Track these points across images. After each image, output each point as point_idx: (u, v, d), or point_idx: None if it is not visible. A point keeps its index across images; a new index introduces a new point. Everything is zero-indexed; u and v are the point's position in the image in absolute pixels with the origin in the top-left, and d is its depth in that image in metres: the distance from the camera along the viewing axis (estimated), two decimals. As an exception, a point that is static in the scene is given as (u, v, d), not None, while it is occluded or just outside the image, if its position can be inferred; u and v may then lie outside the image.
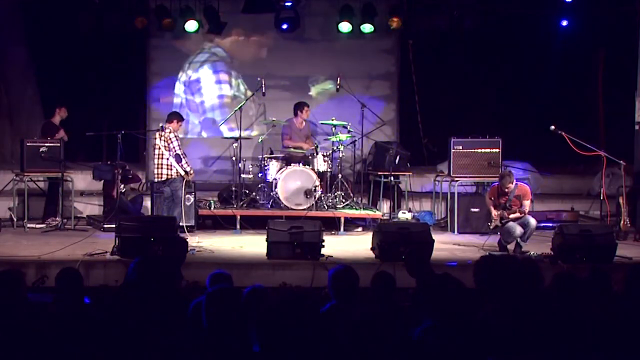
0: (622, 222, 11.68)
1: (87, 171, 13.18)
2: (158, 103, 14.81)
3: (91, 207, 13.10)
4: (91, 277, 9.08)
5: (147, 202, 12.35)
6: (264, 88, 13.10)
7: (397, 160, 12.94)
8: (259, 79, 13.15)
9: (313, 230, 9.96)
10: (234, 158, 12.59)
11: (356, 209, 12.40)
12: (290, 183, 11.99)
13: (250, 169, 12.57)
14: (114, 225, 10.25)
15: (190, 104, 14.82)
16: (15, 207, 12.27)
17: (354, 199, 12.62)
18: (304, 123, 13.09)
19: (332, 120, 12.86)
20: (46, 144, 11.97)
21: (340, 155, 12.61)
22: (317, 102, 14.38)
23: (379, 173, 13.08)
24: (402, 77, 15.27)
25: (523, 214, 10.39)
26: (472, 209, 12.24)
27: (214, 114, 14.77)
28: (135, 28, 14.05)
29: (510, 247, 10.47)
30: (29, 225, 11.84)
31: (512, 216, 10.38)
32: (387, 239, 9.86)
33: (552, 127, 11.66)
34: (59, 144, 12.02)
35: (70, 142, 12.77)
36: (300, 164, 12.22)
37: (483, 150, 12.45)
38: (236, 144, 12.53)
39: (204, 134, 14.76)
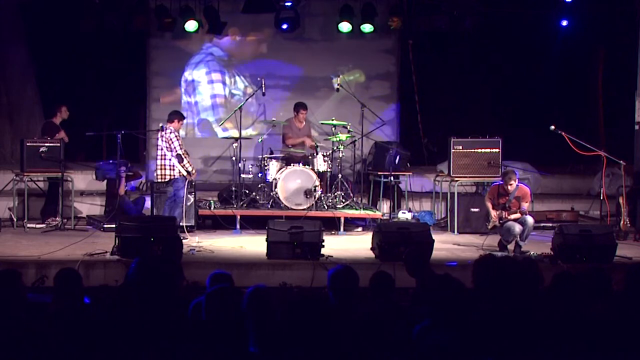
0: (622, 222, 11.69)
1: (87, 171, 13.18)
2: (158, 103, 14.80)
3: (91, 207, 13.09)
4: (91, 277, 9.09)
5: (148, 203, 12.37)
6: (263, 88, 13.11)
7: (397, 160, 12.94)
8: (259, 79, 13.15)
9: (313, 230, 9.97)
10: (234, 158, 12.59)
11: (356, 209, 12.40)
12: (290, 183, 11.99)
13: (250, 169, 12.57)
14: (114, 225, 10.25)
15: (197, 104, 14.82)
16: (15, 207, 12.27)
17: (354, 199, 12.62)
18: (303, 123, 13.10)
19: (332, 120, 12.87)
20: (46, 144, 11.96)
21: (340, 155, 12.60)
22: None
23: (379, 173, 13.08)
24: (402, 77, 15.27)
25: (523, 214, 10.39)
26: (472, 209, 12.24)
27: (214, 114, 14.75)
28: (135, 28, 14.05)
29: (510, 247, 10.47)
30: (29, 225, 11.84)
31: (512, 217, 10.38)
32: (387, 239, 9.86)
33: (552, 127, 11.67)
34: (59, 144, 12.01)
35: (70, 142, 12.77)
36: (300, 164, 12.22)
37: (483, 150, 12.45)
38: (236, 144, 12.53)
39: (199, 134, 14.72)
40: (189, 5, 13.90)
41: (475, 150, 12.45)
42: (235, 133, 13.06)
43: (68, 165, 12.55)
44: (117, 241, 9.72)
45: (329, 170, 12.49)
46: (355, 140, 12.88)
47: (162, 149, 11.38)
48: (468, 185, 13.12)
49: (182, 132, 12.10)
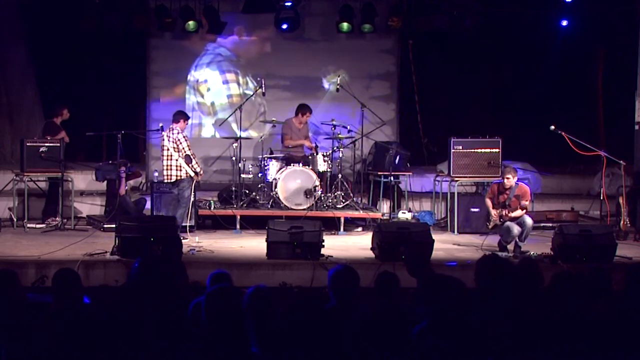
0: (622, 222, 11.69)
1: (87, 171, 13.18)
2: (158, 103, 14.81)
3: (91, 207, 13.10)
4: (91, 277, 9.09)
5: (148, 204, 12.37)
6: (263, 88, 13.12)
7: (397, 160, 12.94)
8: (259, 78, 13.16)
9: (313, 230, 9.96)
10: (234, 158, 12.59)
11: (356, 209, 12.40)
12: (290, 183, 11.99)
13: (250, 169, 12.57)
14: (114, 225, 10.25)
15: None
16: (15, 207, 12.27)
17: (354, 199, 12.62)
18: (303, 124, 13.10)
19: (332, 120, 12.87)
20: (46, 144, 11.96)
21: (340, 155, 12.61)
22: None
23: (379, 173, 13.08)
24: (402, 77, 15.27)
25: (524, 210, 10.37)
26: (472, 209, 12.24)
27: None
28: (135, 28, 14.05)
29: (510, 247, 10.47)
30: (29, 225, 11.84)
31: (512, 214, 10.36)
32: (387, 239, 9.86)
33: (552, 127, 11.67)
34: (59, 144, 12.01)
35: (71, 142, 12.77)
36: (300, 164, 12.22)
37: (483, 150, 12.45)
38: (236, 144, 12.53)
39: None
40: (189, 5, 13.90)
41: (475, 150, 12.45)
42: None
43: (68, 165, 12.55)
44: (117, 241, 9.72)
45: (329, 170, 12.49)
46: (355, 140, 12.88)
47: (168, 150, 11.34)
48: (468, 185, 13.13)
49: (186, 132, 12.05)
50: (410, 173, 13.41)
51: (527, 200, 10.48)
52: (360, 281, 5.47)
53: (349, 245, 11.12)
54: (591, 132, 15.63)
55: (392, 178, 12.95)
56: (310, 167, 12.23)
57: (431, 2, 14.12)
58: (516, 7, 14.96)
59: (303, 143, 12.92)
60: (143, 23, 14.01)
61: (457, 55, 15.93)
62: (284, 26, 14.21)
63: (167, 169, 11.38)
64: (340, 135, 12.66)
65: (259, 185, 12.44)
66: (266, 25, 14.50)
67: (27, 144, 11.96)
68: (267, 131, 14.10)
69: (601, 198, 11.76)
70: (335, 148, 12.57)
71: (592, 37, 15.86)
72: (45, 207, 12.55)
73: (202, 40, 14.64)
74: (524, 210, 10.42)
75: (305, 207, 11.94)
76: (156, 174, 12.95)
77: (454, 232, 12.20)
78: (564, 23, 14.98)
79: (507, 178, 10.44)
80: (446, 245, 11.11)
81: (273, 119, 13.42)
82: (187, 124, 11.75)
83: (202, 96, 14.87)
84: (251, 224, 11.97)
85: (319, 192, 12.01)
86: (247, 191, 12.52)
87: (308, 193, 11.93)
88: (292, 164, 12.22)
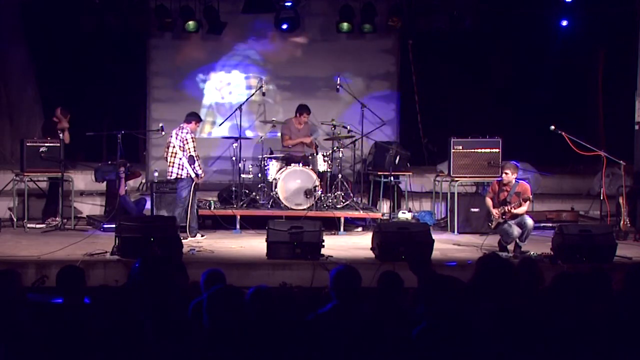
0: (622, 222, 11.69)
1: (87, 171, 13.19)
2: (158, 103, 14.80)
3: (91, 207, 13.10)
4: (91, 277, 9.08)
5: (148, 204, 12.38)
6: (263, 88, 13.13)
7: (397, 160, 12.94)
8: (258, 79, 13.16)
9: (313, 230, 9.96)
10: (234, 158, 12.60)
11: (356, 209, 12.40)
12: (290, 183, 11.99)
13: (250, 169, 12.58)
14: (114, 225, 10.25)
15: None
16: (15, 207, 12.27)
17: (354, 199, 12.62)
18: (302, 125, 13.10)
19: (332, 120, 12.87)
20: (46, 144, 11.96)
21: (340, 155, 12.61)
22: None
23: (379, 173, 13.08)
24: (402, 77, 15.27)
25: (527, 202, 10.34)
26: (472, 209, 12.24)
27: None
28: (135, 28, 14.05)
29: (510, 247, 10.47)
30: (29, 225, 11.84)
31: (515, 211, 10.32)
32: (387, 239, 9.86)
33: (552, 127, 11.67)
34: (59, 144, 12.01)
35: (71, 142, 12.76)
36: (300, 164, 12.22)
37: (483, 150, 12.45)
38: (236, 144, 12.54)
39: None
40: (189, 5, 13.91)
41: (475, 150, 12.45)
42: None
43: (68, 165, 12.55)
44: (117, 241, 9.73)
45: (329, 170, 12.49)
46: (355, 140, 12.88)
47: (174, 147, 11.36)
48: (468, 185, 13.12)
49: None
50: (410, 173, 13.41)
51: (528, 198, 10.43)
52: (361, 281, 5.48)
53: (349, 245, 11.11)
54: (591, 132, 15.62)
55: (392, 178, 12.95)
56: (310, 167, 12.23)
57: (431, 2, 14.11)
58: (516, 7, 14.96)
59: (302, 140, 12.91)
60: (143, 23, 14.01)
61: (457, 55, 15.92)
62: (284, 26, 14.22)
63: (170, 166, 11.41)
64: (340, 135, 12.66)
65: (259, 185, 12.44)
66: (266, 25, 14.48)
67: (27, 144, 11.96)
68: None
69: (601, 198, 11.75)
70: (335, 148, 12.57)
71: (592, 37, 15.85)
72: (45, 207, 12.55)
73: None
74: (527, 203, 10.39)
75: (305, 207, 11.94)
76: (156, 174, 12.96)
77: (454, 232, 12.20)
78: (564, 23, 14.98)
79: (506, 173, 10.43)
80: (446, 245, 11.11)
81: (273, 119, 13.43)
82: (198, 126, 11.70)
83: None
84: (251, 224, 11.97)
85: (319, 192, 12.01)
86: (247, 191, 12.52)
87: (308, 193, 11.93)
88: (292, 164, 12.22)
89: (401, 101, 15.28)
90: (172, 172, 11.37)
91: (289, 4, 13.96)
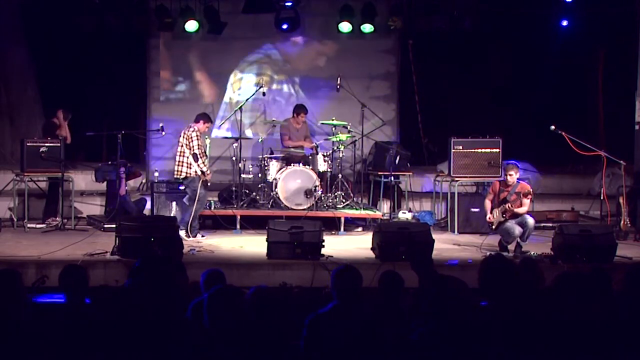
0: (622, 222, 11.69)
1: (87, 171, 13.19)
2: (158, 103, 14.80)
3: (91, 207, 13.10)
4: (91, 277, 9.04)
5: (148, 204, 12.38)
6: (263, 88, 13.14)
7: (397, 160, 12.94)
8: (258, 79, 13.16)
9: (313, 230, 9.96)
10: (234, 158, 12.60)
11: (356, 209, 12.40)
12: (290, 183, 11.99)
13: (250, 169, 12.58)
14: (114, 225, 10.25)
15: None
16: (15, 207, 12.27)
17: (354, 199, 12.62)
18: (301, 124, 13.10)
19: (332, 120, 12.87)
20: (46, 144, 11.97)
21: (340, 155, 12.61)
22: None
23: (379, 173, 13.08)
24: (402, 77, 15.26)
25: (529, 196, 10.34)
26: (472, 209, 12.24)
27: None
28: (135, 28, 14.05)
29: (511, 247, 10.47)
30: (29, 225, 11.84)
31: (517, 210, 10.31)
32: (387, 239, 9.86)
33: (552, 127, 11.67)
34: (59, 144, 12.01)
35: (71, 142, 12.77)
36: (300, 164, 12.22)
37: (483, 150, 12.45)
38: (236, 144, 12.54)
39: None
40: (189, 5, 13.91)
41: (475, 150, 12.45)
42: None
43: (68, 165, 12.54)
44: (117, 241, 9.73)
45: (329, 170, 12.50)
46: (355, 140, 12.88)
47: (182, 146, 11.41)
48: (468, 185, 13.12)
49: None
50: (411, 173, 13.41)
51: (528, 198, 10.43)
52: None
53: (349, 245, 11.11)
54: (591, 132, 15.62)
55: (392, 178, 12.95)
56: (311, 167, 12.23)
57: (431, 2, 14.11)
58: (516, 7, 14.96)
59: (302, 144, 12.92)
60: (143, 23, 14.01)
61: (457, 55, 15.92)
62: (284, 26, 14.22)
63: (178, 165, 11.45)
64: (340, 135, 12.66)
65: (259, 185, 12.44)
66: (266, 25, 14.47)
67: (27, 144, 11.96)
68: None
69: (601, 198, 11.75)
70: (335, 148, 12.57)
71: (592, 37, 15.85)
72: (45, 207, 12.55)
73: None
74: (528, 201, 10.39)
75: (305, 207, 11.94)
76: (156, 174, 12.96)
77: (454, 232, 12.20)
78: (564, 23, 14.98)
79: (510, 175, 10.44)
80: (446, 245, 11.11)
81: (273, 119, 13.44)
82: (207, 126, 11.69)
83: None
84: (251, 224, 11.97)
85: (319, 192, 12.01)
86: (247, 191, 12.53)
87: (308, 193, 11.93)
88: (292, 164, 12.22)
89: (401, 101, 15.27)
90: (181, 172, 11.41)
91: (289, 4, 13.96)
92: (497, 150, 12.43)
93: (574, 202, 13.75)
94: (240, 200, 12.32)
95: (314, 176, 12.01)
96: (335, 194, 12.36)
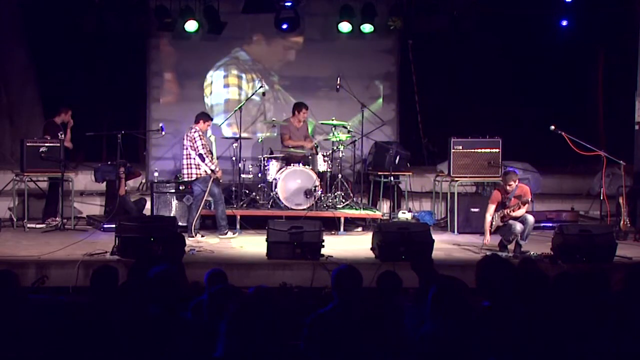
0: (622, 222, 11.69)
1: (87, 171, 13.19)
2: (158, 103, 14.80)
3: (91, 207, 13.10)
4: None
5: (148, 204, 12.37)
6: (263, 88, 13.14)
7: (397, 160, 12.94)
8: (258, 79, 13.16)
9: (313, 230, 9.96)
10: (234, 158, 12.61)
11: (356, 209, 12.40)
12: (290, 183, 11.99)
13: (250, 169, 12.58)
14: (114, 225, 10.25)
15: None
16: (15, 207, 12.27)
17: (354, 199, 12.62)
18: (301, 123, 13.10)
19: (332, 120, 12.87)
20: (46, 144, 11.97)
21: (340, 155, 12.61)
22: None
23: (379, 173, 13.08)
24: (402, 77, 15.26)
25: (526, 204, 10.35)
26: (472, 209, 12.24)
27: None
28: (135, 28, 14.04)
29: (511, 247, 10.47)
30: (29, 225, 11.84)
31: (514, 214, 10.32)
32: (387, 239, 9.86)
33: (552, 127, 11.67)
34: (58, 144, 12.01)
35: (70, 142, 12.76)
36: (300, 164, 12.22)
37: (483, 150, 12.45)
38: (236, 144, 12.54)
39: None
40: (189, 5, 13.90)
41: (475, 150, 12.44)
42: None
43: (68, 165, 12.54)
44: (117, 241, 9.73)
45: (329, 170, 12.49)
46: (355, 140, 12.88)
47: (187, 148, 11.45)
48: (468, 185, 13.12)
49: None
50: (410, 173, 13.41)
51: (527, 199, 10.43)
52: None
53: (349, 245, 11.11)
54: (591, 132, 15.62)
55: (392, 178, 12.95)
56: (310, 167, 12.23)
57: (431, 2, 14.11)
58: (516, 7, 14.96)
59: (302, 145, 12.90)
60: (143, 23, 14.01)
61: (457, 55, 15.92)
62: (284, 26, 14.21)
63: (187, 168, 11.47)
64: (340, 135, 12.65)
65: (259, 185, 12.44)
66: (266, 25, 14.47)
67: (27, 144, 11.96)
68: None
69: (601, 198, 11.75)
70: (335, 148, 12.57)
71: (592, 37, 15.85)
72: (45, 207, 12.55)
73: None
74: (526, 205, 10.40)
75: (305, 207, 11.94)
76: (156, 174, 12.96)
77: (454, 232, 12.20)
78: (564, 23, 14.98)
79: (510, 185, 10.42)
80: (446, 245, 11.11)
81: (273, 119, 13.43)
82: (207, 125, 11.70)
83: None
84: (251, 224, 11.97)
85: (319, 192, 12.01)
86: (247, 191, 12.53)
87: (308, 193, 11.93)
88: (292, 164, 12.22)
89: (401, 101, 15.27)
90: (191, 174, 11.43)
91: (289, 4, 13.96)
92: (497, 150, 12.43)
93: (574, 202, 13.75)
94: (240, 200, 12.32)
95: (314, 176, 12.01)
96: (335, 194, 12.36)
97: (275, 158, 12.46)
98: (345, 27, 14.15)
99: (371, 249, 10.10)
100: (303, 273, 9.43)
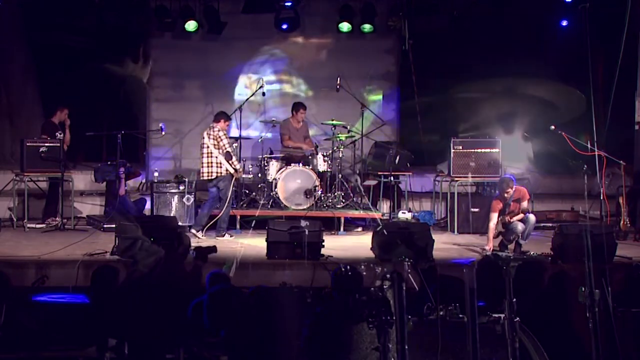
0: (622, 222, 11.69)
1: (87, 171, 13.19)
2: (158, 103, 14.80)
3: (91, 207, 13.10)
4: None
5: (148, 204, 12.37)
6: (264, 88, 13.14)
7: (397, 160, 12.94)
8: (258, 79, 13.17)
9: (313, 230, 9.96)
10: (234, 158, 12.61)
11: (356, 209, 12.40)
12: (290, 183, 12.00)
13: (250, 169, 12.58)
14: (114, 225, 10.25)
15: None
16: (15, 207, 12.27)
17: (354, 199, 12.62)
18: (300, 123, 13.10)
19: (332, 120, 12.87)
20: (46, 144, 11.97)
21: (340, 155, 12.61)
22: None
23: (379, 173, 13.08)
24: (402, 77, 15.26)
25: (525, 212, 10.38)
26: (472, 209, 12.24)
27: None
28: (135, 28, 14.05)
29: (511, 246, 10.47)
30: (29, 225, 11.84)
31: (515, 218, 10.34)
32: (387, 239, 9.85)
33: (552, 127, 11.67)
34: (58, 144, 12.01)
35: (70, 142, 12.76)
36: (300, 164, 12.22)
37: (483, 150, 12.45)
38: (236, 144, 12.54)
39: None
40: (189, 5, 13.91)
41: (475, 150, 12.45)
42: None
43: (68, 165, 12.54)
44: (116, 241, 9.72)
45: (329, 170, 12.49)
46: (355, 140, 12.88)
47: (208, 147, 11.41)
48: (468, 185, 13.12)
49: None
50: (410, 173, 13.41)
51: (526, 201, 10.44)
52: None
53: (349, 245, 11.11)
54: (591, 132, 15.58)
55: (392, 178, 12.95)
56: (310, 167, 12.23)
57: (431, 2, 14.11)
58: (516, 7, 14.95)
59: (301, 146, 12.89)
60: (143, 23, 14.02)
61: (457, 55, 15.91)
62: (284, 26, 14.22)
63: (207, 166, 11.44)
64: (340, 135, 12.66)
65: (259, 185, 12.44)
66: (266, 25, 14.48)
67: (27, 144, 11.96)
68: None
69: (601, 198, 11.75)
70: (335, 148, 12.57)
71: (592, 37, 15.82)
72: (45, 207, 12.55)
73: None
74: (526, 212, 10.41)
75: (305, 207, 11.94)
76: (156, 174, 12.96)
77: (454, 232, 12.20)
78: (564, 23, 14.97)
79: (507, 192, 10.41)
80: (446, 245, 11.11)
81: (273, 118, 13.44)
82: (227, 124, 11.70)
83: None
84: (251, 224, 11.97)
85: (319, 192, 12.01)
86: (247, 191, 12.53)
87: (308, 193, 11.93)
88: (292, 164, 12.22)
89: (401, 101, 15.27)
90: (212, 172, 11.40)
91: (289, 4, 13.97)
92: (497, 150, 12.44)
93: (574, 202, 13.74)
94: (240, 200, 12.31)
95: (314, 176, 12.02)
96: (335, 194, 12.36)
97: (275, 158, 12.47)
98: (345, 27, 14.17)
99: (371, 249, 10.10)
100: (303, 273, 9.42)
